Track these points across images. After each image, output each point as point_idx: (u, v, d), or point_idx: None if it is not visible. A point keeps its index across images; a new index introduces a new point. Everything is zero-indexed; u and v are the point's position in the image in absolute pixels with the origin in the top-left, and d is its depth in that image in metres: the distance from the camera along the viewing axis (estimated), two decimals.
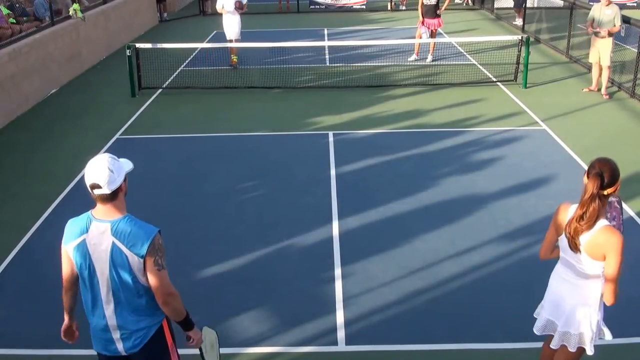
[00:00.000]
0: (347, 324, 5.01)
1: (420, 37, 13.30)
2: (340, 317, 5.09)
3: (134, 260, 3.10)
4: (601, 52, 10.52)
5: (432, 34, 13.30)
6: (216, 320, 5.11)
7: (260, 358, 4.69)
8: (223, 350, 4.75)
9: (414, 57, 13.56)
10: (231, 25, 13.15)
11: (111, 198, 3.12)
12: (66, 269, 3.31)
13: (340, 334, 4.89)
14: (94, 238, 3.13)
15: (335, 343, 4.81)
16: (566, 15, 14.09)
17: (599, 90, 10.90)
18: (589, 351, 3.66)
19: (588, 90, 11.05)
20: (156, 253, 3.12)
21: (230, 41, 13.20)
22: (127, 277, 3.13)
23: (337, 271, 5.74)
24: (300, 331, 4.93)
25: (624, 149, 8.50)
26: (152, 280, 3.15)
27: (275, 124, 9.73)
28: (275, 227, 6.58)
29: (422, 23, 13.15)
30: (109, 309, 3.22)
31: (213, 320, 5.10)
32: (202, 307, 5.28)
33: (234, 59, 13.17)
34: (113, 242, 3.09)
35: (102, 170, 3.06)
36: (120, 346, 3.28)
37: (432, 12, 13.07)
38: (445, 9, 13.47)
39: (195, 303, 5.32)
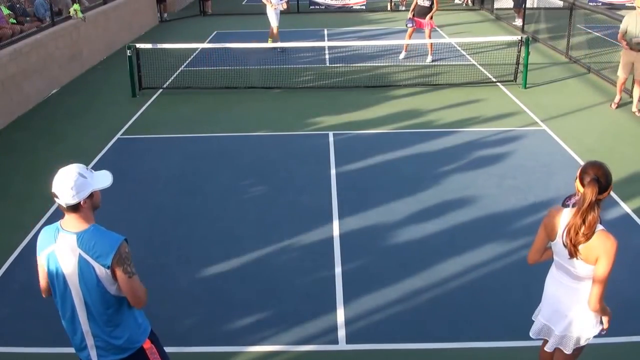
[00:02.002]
0: (348, 322, 5.03)
1: (410, 36, 13.35)
2: (340, 316, 5.11)
3: (101, 271, 3.10)
4: (638, 66, 9.54)
5: (429, 34, 13.32)
6: (217, 319, 5.14)
7: (261, 357, 4.71)
8: (224, 349, 4.80)
9: (403, 54, 13.72)
10: (276, 16, 14.62)
11: (72, 210, 3.12)
12: (42, 281, 3.32)
13: (341, 333, 4.91)
14: (61, 250, 3.14)
15: (335, 342, 4.83)
16: (566, 15, 14.11)
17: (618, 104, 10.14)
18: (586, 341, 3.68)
19: (616, 106, 10.12)
20: (123, 262, 3.11)
21: (273, 29, 14.72)
22: (95, 287, 3.14)
23: (338, 270, 5.76)
24: (301, 330, 4.95)
25: (624, 148, 8.52)
26: (125, 287, 3.14)
27: (276, 124, 9.75)
28: (275, 226, 6.60)
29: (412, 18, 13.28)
30: (82, 317, 3.24)
31: (214, 318, 5.14)
32: (203, 306, 5.32)
33: (270, 42, 14.72)
34: (80, 254, 3.10)
35: (64, 184, 3.08)
36: (93, 352, 3.29)
37: (425, 13, 13.12)
38: (434, 13, 13.34)
39: (196, 302, 5.37)
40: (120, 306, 3.24)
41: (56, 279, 3.20)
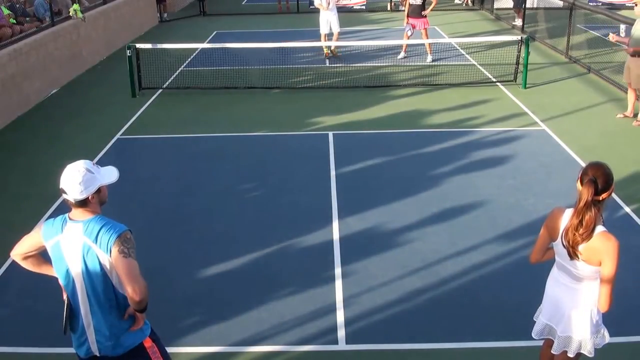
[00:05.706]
0: (347, 323, 5.03)
1: (408, 37, 13.34)
2: (340, 316, 5.11)
3: (104, 258, 3.12)
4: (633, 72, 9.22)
5: (425, 34, 13.31)
6: (217, 319, 5.14)
7: (261, 357, 4.70)
8: (224, 349, 4.80)
9: (402, 54, 13.72)
10: (330, 20, 13.85)
11: (80, 205, 3.16)
12: (23, 247, 3.36)
13: (341, 333, 4.91)
14: (67, 239, 3.17)
15: (335, 342, 4.83)
16: (566, 15, 14.11)
17: (635, 116, 9.54)
18: (590, 354, 3.66)
19: (623, 116, 9.65)
20: (122, 243, 3.11)
21: (325, 36, 14.10)
22: (99, 276, 3.15)
23: (337, 270, 5.76)
24: (301, 330, 4.95)
25: (624, 148, 8.52)
26: (120, 268, 3.11)
27: (276, 124, 9.75)
28: (275, 226, 6.60)
29: (407, 22, 13.27)
30: (84, 308, 3.25)
31: (214, 318, 5.13)
32: (203, 306, 5.32)
33: (335, 51, 14.17)
34: (84, 242, 3.13)
35: (72, 181, 3.12)
36: (94, 347, 3.30)
37: (417, 12, 13.11)
38: (430, 11, 13.29)
39: (196, 302, 5.37)
40: (122, 302, 3.25)
41: (61, 270, 3.22)
